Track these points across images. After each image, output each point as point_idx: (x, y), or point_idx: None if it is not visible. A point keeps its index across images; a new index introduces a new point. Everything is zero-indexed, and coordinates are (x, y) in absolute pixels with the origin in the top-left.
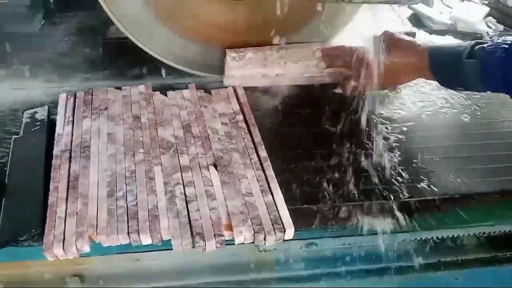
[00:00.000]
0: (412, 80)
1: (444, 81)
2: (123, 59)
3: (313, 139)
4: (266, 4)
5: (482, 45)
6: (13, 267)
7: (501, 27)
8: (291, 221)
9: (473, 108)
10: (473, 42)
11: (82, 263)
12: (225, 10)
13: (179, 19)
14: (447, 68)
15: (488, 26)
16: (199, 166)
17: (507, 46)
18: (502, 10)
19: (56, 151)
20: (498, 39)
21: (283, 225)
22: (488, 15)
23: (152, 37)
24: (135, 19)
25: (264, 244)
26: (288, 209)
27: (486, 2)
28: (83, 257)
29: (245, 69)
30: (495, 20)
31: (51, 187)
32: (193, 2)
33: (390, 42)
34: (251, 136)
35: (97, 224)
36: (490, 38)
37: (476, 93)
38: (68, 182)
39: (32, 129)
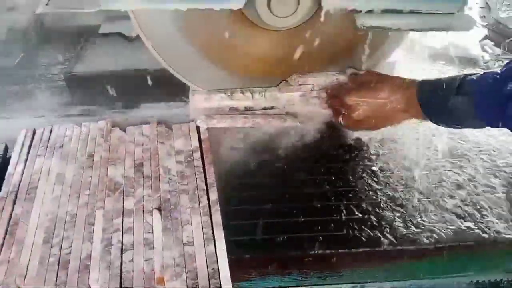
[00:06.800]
0: (403, 121)
1: (438, 120)
2: (98, 93)
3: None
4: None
5: (471, 77)
6: None
7: (498, 50)
8: (229, 276)
9: None
10: (462, 75)
11: None
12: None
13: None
14: (438, 106)
15: (484, 50)
16: (143, 210)
17: (497, 76)
18: (502, 32)
19: (2, 192)
20: (494, 64)
21: (219, 280)
22: (485, 37)
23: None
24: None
25: None
26: (230, 260)
27: (485, 24)
28: None
29: (211, 101)
30: (493, 43)
31: None
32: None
33: (372, 79)
34: (205, 176)
35: (26, 274)
36: (485, 63)
37: None
38: (8, 227)
39: None
